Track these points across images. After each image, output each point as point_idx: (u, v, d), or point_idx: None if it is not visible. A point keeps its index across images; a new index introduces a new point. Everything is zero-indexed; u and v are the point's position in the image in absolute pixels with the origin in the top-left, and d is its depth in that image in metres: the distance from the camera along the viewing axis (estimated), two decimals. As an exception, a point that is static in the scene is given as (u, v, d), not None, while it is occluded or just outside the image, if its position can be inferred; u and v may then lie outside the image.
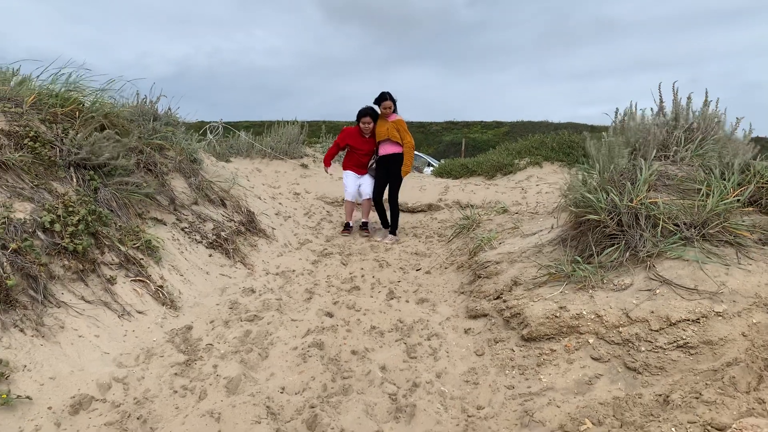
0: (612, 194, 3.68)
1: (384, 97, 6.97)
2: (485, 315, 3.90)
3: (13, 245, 3.19)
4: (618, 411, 2.54)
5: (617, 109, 5.06)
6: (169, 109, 7.01)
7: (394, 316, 4.09)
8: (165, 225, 4.94)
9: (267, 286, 4.84)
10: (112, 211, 4.33)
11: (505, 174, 10.52)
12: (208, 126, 11.42)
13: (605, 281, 3.36)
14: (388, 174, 7.25)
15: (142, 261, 4.12)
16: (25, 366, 2.73)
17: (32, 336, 2.93)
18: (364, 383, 3.10)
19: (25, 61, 5.38)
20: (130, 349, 3.31)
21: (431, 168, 16.06)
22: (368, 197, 7.47)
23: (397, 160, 7.09)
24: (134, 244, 4.21)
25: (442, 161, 16.50)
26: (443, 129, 50.68)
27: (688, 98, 4.69)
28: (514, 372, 3.15)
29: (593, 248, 3.67)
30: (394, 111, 7.08)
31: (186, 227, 5.16)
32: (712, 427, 2.25)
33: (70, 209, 3.78)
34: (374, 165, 7.44)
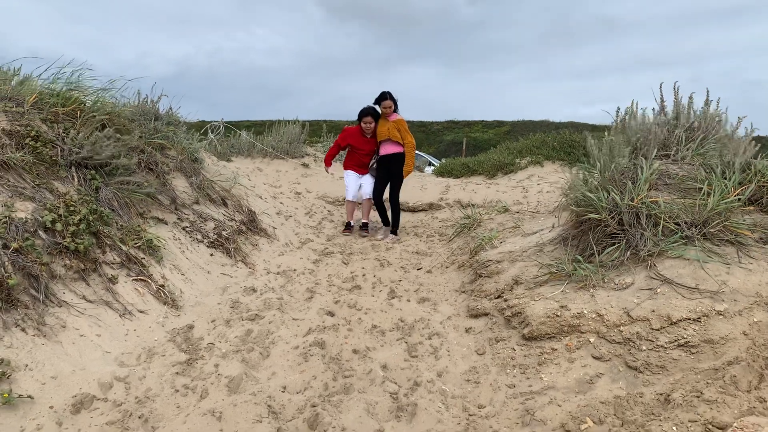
0: (613, 193, 3.68)
1: (384, 97, 6.98)
2: (486, 314, 3.90)
3: (14, 245, 3.20)
4: (619, 410, 2.54)
5: (618, 108, 5.06)
6: (170, 108, 7.01)
7: (396, 315, 4.09)
8: (166, 224, 4.94)
9: (268, 285, 4.85)
10: (113, 210, 4.33)
11: (506, 173, 10.51)
12: (209, 125, 11.43)
13: (606, 280, 3.36)
14: (389, 174, 7.25)
15: (143, 260, 4.13)
16: (27, 365, 2.73)
17: (34, 335, 2.93)
18: (365, 382, 3.10)
19: (26, 58, 5.37)
20: (131, 349, 3.31)
21: (432, 167, 16.06)
22: (369, 197, 7.47)
23: (397, 159, 7.09)
24: (135, 243, 4.21)
25: (443, 160, 16.50)
26: (444, 128, 50.70)
27: (690, 98, 4.69)
28: (515, 371, 3.15)
29: (594, 247, 3.67)
30: (395, 111, 7.08)
31: (187, 226, 5.16)
32: (713, 425, 2.25)
33: (72, 209, 3.79)
34: (375, 165, 7.44)
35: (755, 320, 2.64)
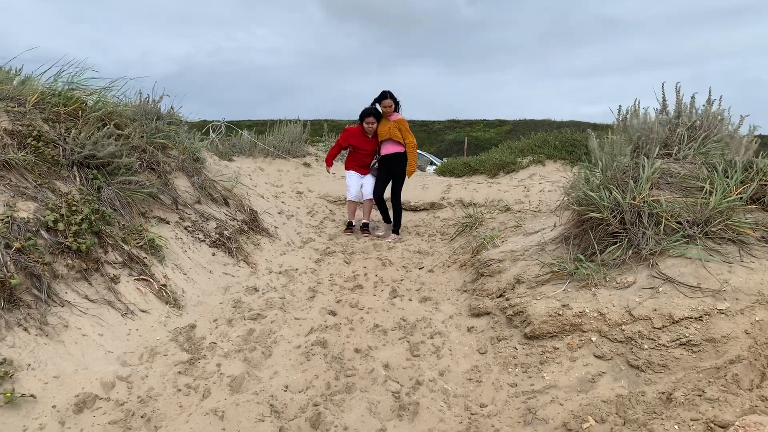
0: (615, 192, 3.68)
1: (384, 96, 6.98)
2: (488, 313, 3.90)
3: (16, 244, 3.20)
4: (621, 409, 2.54)
5: (620, 107, 5.06)
6: (172, 108, 7.02)
7: (397, 315, 4.10)
8: (168, 224, 4.95)
9: (270, 284, 4.85)
10: (115, 210, 4.34)
11: (507, 172, 10.50)
12: (210, 125, 11.42)
13: (608, 279, 3.36)
14: (389, 173, 7.25)
15: (145, 260, 4.13)
16: (29, 365, 2.74)
17: (36, 335, 2.94)
18: (367, 381, 3.11)
19: (26, 56, 5.39)
20: (133, 348, 3.32)
21: (434, 167, 16.05)
22: (370, 197, 7.47)
23: (399, 159, 7.09)
24: (137, 243, 4.21)
25: (445, 160, 16.49)
26: (446, 127, 50.68)
27: (692, 97, 4.69)
28: (517, 370, 3.15)
29: (596, 246, 3.67)
30: (396, 111, 7.08)
31: (189, 226, 5.16)
32: (714, 424, 2.25)
33: (74, 208, 3.79)
34: (376, 165, 7.44)
35: (757, 319, 2.64)
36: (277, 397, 2.84)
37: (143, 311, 3.71)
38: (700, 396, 2.41)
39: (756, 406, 2.29)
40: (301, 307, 4.28)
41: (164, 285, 4.05)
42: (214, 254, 5.08)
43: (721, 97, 4.61)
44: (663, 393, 2.54)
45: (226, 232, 5.46)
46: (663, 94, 4.86)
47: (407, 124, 7.08)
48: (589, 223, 3.88)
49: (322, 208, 8.78)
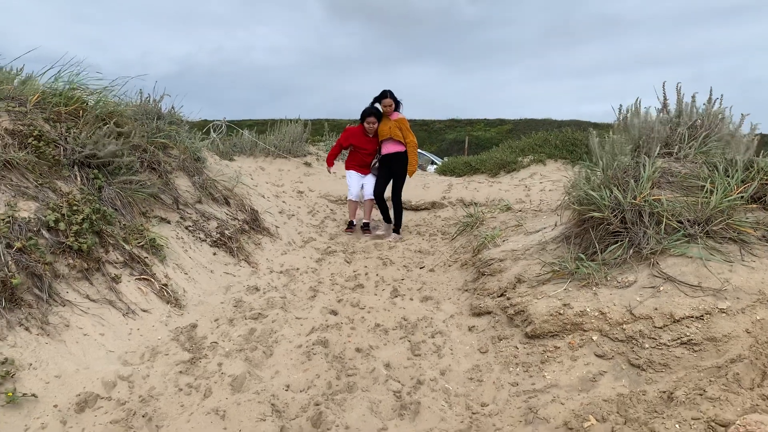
0: (616, 191, 3.68)
1: (384, 95, 6.98)
2: (489, 312, 3.90)
3: (17, 244, 3.21)
4: (622, 408, 2.54)
5: (621, 105, 5.06)
6: (173, 107, 7.02)
7: (399, 314, 4.10)
8: (169, 223, 4.95)
9: (271, 284, 4.85)
10: (116, 209, 4.34)
11: (508, 172, 10.50)
12: (211, 124, 11.43)
13: (609, 278, 3.36)
14: (390, 173, 7.25)
15: (146, 259, 4.14)
16: (31, 364, 2.74)
17: (37, 334, 2.94)
18: (368, 381, 3.11)
19: (26, 55, 5.38)
20: (135, 348, 3.32)
21: (435, 166, 16.05)
22: (371, 197, 7.47)
23: (399, 158, 7.09)
24: (138, 242, 4.22)
25: (446, 159, 16.49)
26: (446, 127, 50.64)
27: (693, 97, 4.70)
28: (518, 369, 3.15)
29: (597, 245, 3.67)
30: (396, 110, 7.08)
31: (190, 226, 5.17)
32: (715, 423, 2.25)
33: (75, 208, 3.80)
34: (377, 164, 7.44)
35: (758, 318, 2.64)
36: (279, 396, 2.84)
37: (144, 311, 3.71)
38: (701, 395, 2.41)
39: (757, 405, 2.29)
40: (302, 307, 4.28)
41: (165, 284, 4.06)
42: (215, 254, 5.09)
43: (722, 96, 4.62)
44: (664, 392, 2.54)
45: (227, 232, 5.46)
46: (664, 93, 4.86)
47: (408, 124, 7.08)
48: (590, 223, 3.88)
49: (323, 208, 8.78)
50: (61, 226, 3.60)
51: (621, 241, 3.55)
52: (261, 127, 13.20)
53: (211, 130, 11.21)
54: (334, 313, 4.16)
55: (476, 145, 33.16)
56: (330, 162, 7.79)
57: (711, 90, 4.64)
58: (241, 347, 3.46)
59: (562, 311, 3.26)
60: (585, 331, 3.10)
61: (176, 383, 2.97)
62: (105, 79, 5.44)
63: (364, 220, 7.58)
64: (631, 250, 3.44)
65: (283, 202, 8.21)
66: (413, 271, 5.49)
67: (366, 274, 5.35)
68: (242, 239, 5.63)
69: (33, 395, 2.55)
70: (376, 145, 7.34)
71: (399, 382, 3.11)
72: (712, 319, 2.70)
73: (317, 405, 2.78)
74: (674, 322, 2.78)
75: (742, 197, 3.44)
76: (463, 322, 3.98)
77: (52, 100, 4.80)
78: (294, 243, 6.53)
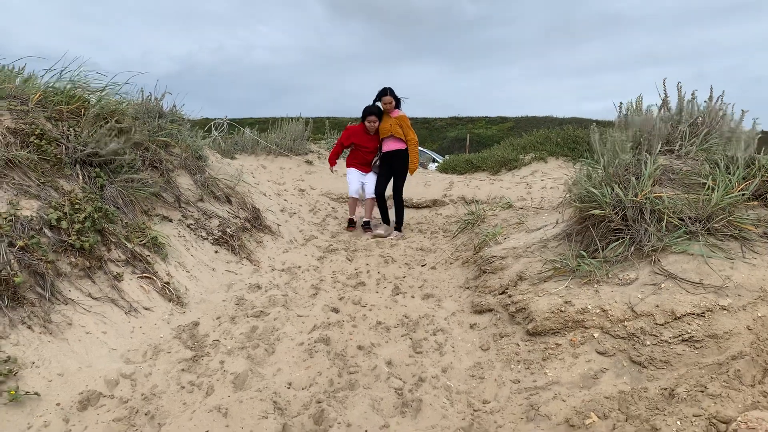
0: (617, 189, 3.68)
1: (384, 93, 6.98)
2: (490, 310, 3.91)
3: (20, 243, 3.21)
4: (623, 405, 2.54)
5: (621, 103, 5.06)
6: (174, 106, 7.02)
7: (400, 312, 4.10)
8: (171, 222, 4.96)
9: (273, 282, 4.86)
10: (118, 208, 4.34)
11: (509, 169, 10.50)
12: (213, 123, 11.44)
13: (610, 276, 3.36)
14: (391, 171, 7.25)
15: (148, 258, 4.14)
16: (33, 362, 2.75)
17: (40, 333, 2.95)
18: (370, 378, 3.11)
19: (29, 57, 5.39)
20: (137, 346, 3.33)
21: (436, 164, 16.05)
22: (371, 196, 7.47)
23: (400, 156, 7.09)
24: (140, 240, 4.23)
25: (447, 157, 16.48)
26: (447, 125, 50.64)
27: (692, 94, 4.69)
28: (519, 366, 3.15)
29: (598, 243, 3.67)
30: (397, 107, 7.08)
31: (192, 224, 5.17)
32: (717, 420, 2.25)
33: (77, 206, 3.80)
34: (378, 162, 7.44)
35: (759, 315, 2.64)
36: (281, 394, 2.85)
37: (147, 309, 3.72)
38: (702, 392, 2.41)
39: (758, 401, 2.29)
40: (303, 305, 4.29)
41: (167, 283, 4.07)
42: (216, 252, 5.09)
43: (723, 93, 4.62)
44: (665, 389, 2.54)
45: (228, 230, 5.47)
46: (665, 90, 4.85)
47: (408, 121, 7.08)
48: (591, 220, 3.88)
49: (324, 206, 8.79)
50: (64, 224, 3.61)
51: (622, 238, 3.55)
52: (262, 125, 13.22)
53: (213, 129, 11.22)
54: (336, 310, 4.16)
55: (477, 142, 33.16)
56: (332, 161, 7.81)
57: (711, 88, 4.64)
58: (243, 345, 3.47)
59: (563, 308, 3.26)
60: (586, 328, 3.11)
61: (178, 381, 2.98)
62: (107, 76, 5.44)
63: (365, 219, 7.58)
64: (633, 248, 3.45)
65: (285, 200, 8.22)
66: (415, 268, 5.49)
67: (367, 271, 5.35)
68: (244, 237, 5.64)
69: (36, 393, 2.55)
70: (377, 143, 7.34)
71: (400, 379, 3.11)
72: (714, 316, 2.71)
73: (319, 402, 2.79)
74: (675, 319, 2.78)
75: (743, 194, 3.43)
76: (464, 319, 3.98)
77: (53, 98, 4.81)
78: (295, 241, 6.54)
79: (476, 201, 8.18)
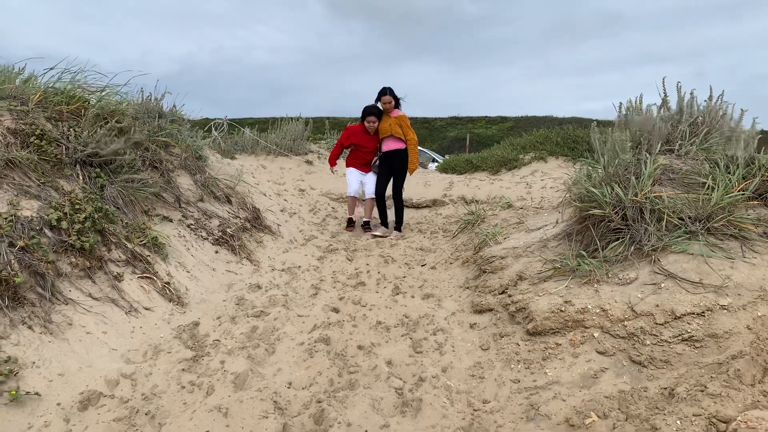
0: (617, 188, 3.68)
1: (384, 92, 6.98)
2: (490, 310, 3.91)
3: (20, 243, 3.22)
4: (623, 404, 2.55)
5: (621, 103, 5.06)
6: (174, 106, 7.02)
7: (400, 312, 4.10)
8: (171, 222, 4.96)
9: (273, 282, 4.86)
10: (118, 208, 4.35)
11: (509, 169, 10.50)
12: (213, 123, 11.44)
13: (610, 275, 3.36)
14: (390, 170, 7.24)
15: (148, 258, 4.15)
16: (34, 363, 2.75)
17: (40, 333, 2.95)
18: (370, 378, 3.12)
19: (30, 59, 5.39)
20: (137, 346, 3.33)
21: (436, 164, 16.05)
22: (371, 196, 7.47)
23: (399, 156, 7.09)
24: (141, 241, 4.23)
25: (447, 157, 16.48)
26: (447, 124, 50.65)
27: (691, 93, 4.69)
28: (519, 366, 3.16)
29: (598, 242, 3.67)
30: (396, 107, 7.08)
31: (192, 224, 5.18)
32: (717, 419, 2.25)
33: (77, 207, 3.80)
34: (377, 162, 7.44)
35: (759, 314, 2.65)
36: (281, 393, 2.85)
37: (147, 309, 3.72)
38: (702, 391, 2.41)
39: (758, 401, 2.29)
40: (304, 305, 4.29)
41: (168, 283, 4.07)
42: (217, 252, 5.09)
43: (722, 92, 4.62)
44: (665, 388, 2.54)
45: (228, 230, 5.47)
46: (664, 89, 4.85)
47: (408, 121, 7.08)
48: (591, 220, 3.88)
49: (324, 206, 8.79)
50: (64, 224, 3.61)
51: (622, 238, 3.55)
52: (262, 125, 13.22)
53: (213, 129, 11.22)
54: (336, 310, 4.17)
55: (477, 142, 33.17)
56: (332, 162, 7.82)
57: (710, 88, 4.65)
58: (244, 345, 3.47)
59: (563, 308, 3.27)
60: (586, 327, 3.11)
61: (179, 381, 2.98)
62: (107, 76, 5.44)
63: (365, 219, 7.58)
64: (633, 247, 3.45)
65: (285, 200, 8.22)
66: (414, 268, 5.49)
67: (367, 271, 5.36)
68: (244, 237, 5.64)
69: (36, 393, 2.56)
70: (377, 143, 7.34)
71: (401, 379, 3.12)
72: (714, 316, 2.71)
73: (319, 402, 2.79)
74: (675, 318, 2.78)
75: (743, 194, 3.44)
76: (464, 319, 3.98)
77: (53, 99, 4.81)
78: (296, 241, 6.54)
79: (476, 201, 8.18)
